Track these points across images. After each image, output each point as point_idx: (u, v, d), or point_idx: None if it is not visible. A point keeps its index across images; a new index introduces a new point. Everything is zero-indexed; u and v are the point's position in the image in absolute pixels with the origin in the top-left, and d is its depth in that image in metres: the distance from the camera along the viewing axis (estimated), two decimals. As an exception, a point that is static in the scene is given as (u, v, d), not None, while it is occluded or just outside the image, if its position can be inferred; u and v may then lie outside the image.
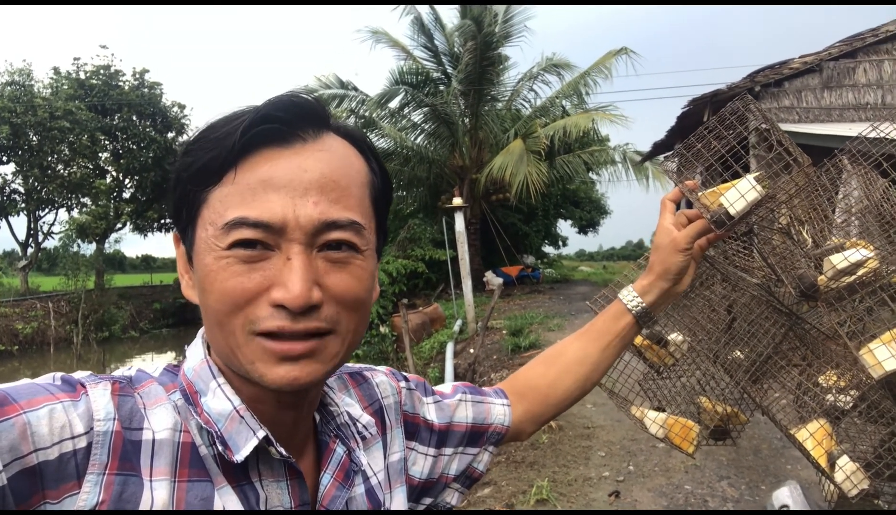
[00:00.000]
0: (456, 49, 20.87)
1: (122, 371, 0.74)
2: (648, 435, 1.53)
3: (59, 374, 0.68)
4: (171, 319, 28.94)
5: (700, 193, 1.26)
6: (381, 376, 1.01)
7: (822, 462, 1.30)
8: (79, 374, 0.70)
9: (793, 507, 1.72)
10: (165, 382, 0.74)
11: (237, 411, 0.71)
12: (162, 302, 29.21)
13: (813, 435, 1.31)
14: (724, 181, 1.29)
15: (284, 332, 0.66)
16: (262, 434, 0.70)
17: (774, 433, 5.40)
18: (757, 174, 1.22)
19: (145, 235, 31.05)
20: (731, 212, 1.19)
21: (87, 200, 26.27)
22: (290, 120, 0.69)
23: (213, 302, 0.68)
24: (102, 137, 25.32)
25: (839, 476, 1.27)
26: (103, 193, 25.55)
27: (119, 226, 27.99)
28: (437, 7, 20.89)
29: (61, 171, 24.75)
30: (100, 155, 26.24)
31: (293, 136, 0.69)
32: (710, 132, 1.32)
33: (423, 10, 20.62)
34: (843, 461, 1.28)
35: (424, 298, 18.93)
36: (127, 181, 27.87)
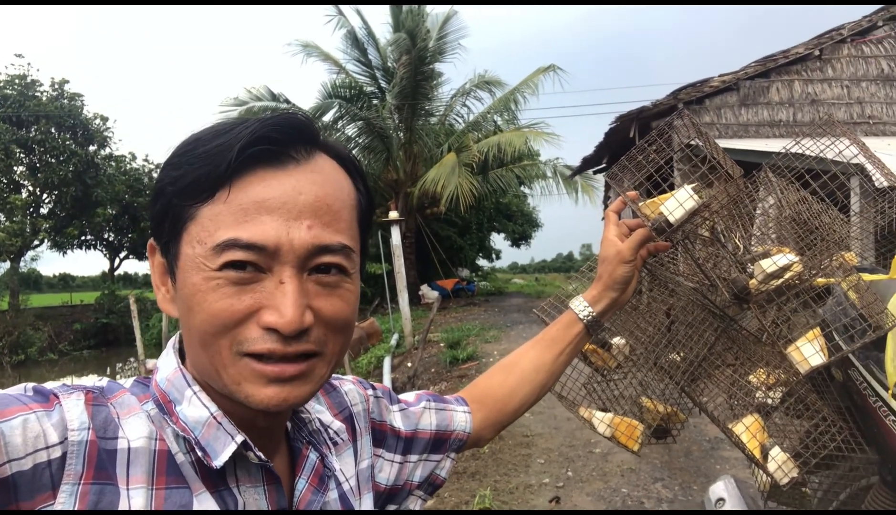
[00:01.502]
0: (389, 64, 20.99)
1: (92, 381, 0.73)
2: (585, 442, 1.59)
3: (30, 384, 0.67)
4: (92, 340, 27.58)
5: (641, 203, 1.34)
6: (349, 384, 1.02)
7: (757, 454, 1.39)
8: (50, 385, 0.68)
9: (728, 500, 1.82)
10: (137, 393, 0.73)
11: (214, 417, 0.71)
12: (83, 322, 27.83)
13: (748, 429, 1.40)
14: (664, 191, 1.37)
15: (275, 355, 0.67)
16: (240, 438, 0.70)
17: (704, 436, 5.63)
18: (694, 184, 1.31)
19: (64, 253, 29.61)
20: (671, 219, 1.28)
21: (0, 216, 24.90)
22: (283, 141, 0.69)
23: (200, 323, 0.67)
24: (17, 150, 24.07)
25: (772, 466, 1.37)
26: (19, 209, 24.28)
27: (36, 243, 26.59)
28: (370, 22, 21.03)
29: (-28, 186, 23.44)
30: (14, 168, 24.92)
31: (286, 157, 0.69)
32: (650, 144, 1.40)
33: (356, 24, 20.70)
34: (776, 451, 1.38)
35: (360, 312, 18.76)
36: (45, 196, 26.55)
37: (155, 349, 20.42)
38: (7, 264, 25.60)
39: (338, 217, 0.71)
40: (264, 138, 0.68)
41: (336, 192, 0.72)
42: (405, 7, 20.29)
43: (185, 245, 0.69)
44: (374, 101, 21.27)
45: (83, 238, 29.46)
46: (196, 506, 0.68)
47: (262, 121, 0.69)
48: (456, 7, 20.75)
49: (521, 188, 26.47)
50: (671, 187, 1.38)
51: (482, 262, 35.31)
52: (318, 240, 0.68)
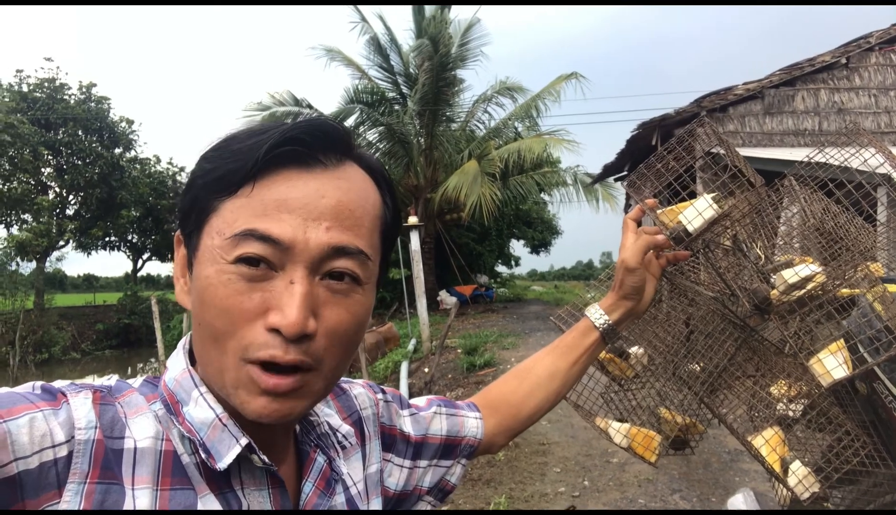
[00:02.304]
0: (411, 69, 21.09)
1: (101, 380, 0.74)
2: (602, 451, 1.57)
3: (38, 383, 0.67)
4: (114, 340, 28.05)
5: (659, 211, 1.32)
6: (358, 388, 1.02)
7: (777, 468, 1.36)
8: (58, 383, 0.69)
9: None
10: (146, 392, 0.73)
11: (220, 419, 0.71)
12: (105, 322, 28.28)
13: (768, 442, 1.38)
14: (683, 199, 1.36)
15: (275, 362, 0.66)
16: (244, 441, 0.70)
17: (723, 447, 5.55)
18: (714, 193, 1.29)
19: (89, 253, 30.10)
20: (690, 229, 1.26)
21: (27, 217, 25.39)
22: (313, 143, 0.70)
23: (211, 318, 0.68)
24: (45, 152, 24.56)
25: (792, 481, 1.34)
26: (45, 210, 24.74)
27: (61, 243, 27.04)
28: (393, 27, 21.20)
29: (0, 186, 23.89)
30: (42, 170, 25.46)
31: (314, 160, 0.70)
32: (669, 152, 1.39)
33: (379, 30, 20.83)
34: (796, 465, 1.35)
35: (378, 317, 18.84)
36: (71, 197, 27.04)
37: (175, 350, 20.62)
38: (33, 264, 26.05)
39: (359, 223, 0.71)
40: (294, 139, 0.68)
41: (360, 200, 0.72)
42: (428, 13, 20.39)
43: (205, 236, 0.70)
44: (396, 107, 21.39)
45: (107, 239, 29.98)
46: (200, 508, 0.68)
47: (296, 124, 0.70)
48: (479, 14, 20.86)
49: (542, 195, 26.36)
50: (692, 195, 1.36)
51: (501, 269, 35.23)
52: (334, 241, 0.68)
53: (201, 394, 0.72)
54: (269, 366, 0.67)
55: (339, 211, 0.69)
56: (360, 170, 0.75)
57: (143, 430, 0.68)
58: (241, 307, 0.66)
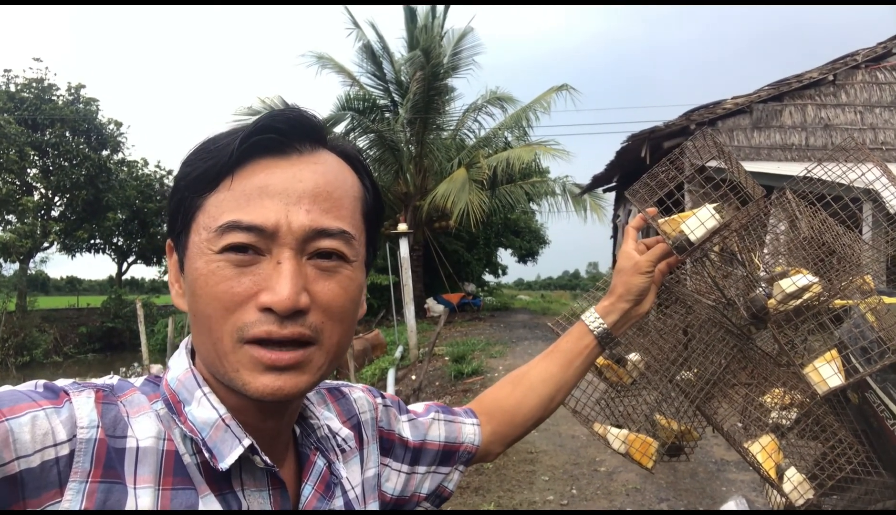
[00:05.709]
0: (403, 77, 21.13)
1: (103, 379, 0.74)
2: (590, 461, 1.58)
3: (41, 381, 0.68)
4: (97, 344, 27.68)
5: (661, 220, 1.34)
6: (358, 392, 1.03)
7: (772, 474, 1.38)
8: (61, 382, 0.69)
9: (739, 521, 1.81)
10: (147, 392, 0.74)
11: (223, 419, 0.71)
12: (89, 325, 27.92)
13: (765, 448, 1.40)
14: (682, 209, 1.38)
15: (272, 338, 0.67)
16: (247, 442, 0.71)
17: (710, 457, 5.59)
18: (716, 203, 1.32)
19: (73, 256, 29.77)
20: (692, 238, 1.28)
21: (12, 218, 25.11)
22: (288, 132, 0.71)
23: (203, 307, 0.69)
24: (32, 153, 24.29)
25: (787, 487, 1.36)
26: (30, 211, 24.47)
27: (46, 245, 26.74)
28: (385, 35, 21.27)
29: (-15, 187, 23.65)
30: (28, 171, 25.15)
31: (290, 148, 0.72)
32: (671, 163, 1.41)
33: (372, 37, 20.89)
34: (791, 472, 1.37)
35: (365, 324, 18.78)
36: (56, 199, 26.75)
37: (160, 354, 20.44)
38: (16, 265, 25.75)
39: (338, 204, 0.73)
40: (269, 128, 0.70)
41: (337, 182, 0.74)
42: (420, 22, 20.48)
43: (193, 233, 0.71)
44: (387, 114, 21.40)
45: (92, 241, 29.60)
46: (201, 508, 0.69)
47: (269, 114, 0.72)
48: (473, 24, 20.95)
49: (530, 204, 26.44)
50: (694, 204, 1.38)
51: (488, 277, 35.23)
52: (315, 224, 0.70)
53: (204, 394, 0.73)
54: (267, 343, 0.68)
55: (316, 193, 0.71)
56: (334, 156, 0.77)
57: (145, 430, 0.69)
58: (231, 291, 0.68)
